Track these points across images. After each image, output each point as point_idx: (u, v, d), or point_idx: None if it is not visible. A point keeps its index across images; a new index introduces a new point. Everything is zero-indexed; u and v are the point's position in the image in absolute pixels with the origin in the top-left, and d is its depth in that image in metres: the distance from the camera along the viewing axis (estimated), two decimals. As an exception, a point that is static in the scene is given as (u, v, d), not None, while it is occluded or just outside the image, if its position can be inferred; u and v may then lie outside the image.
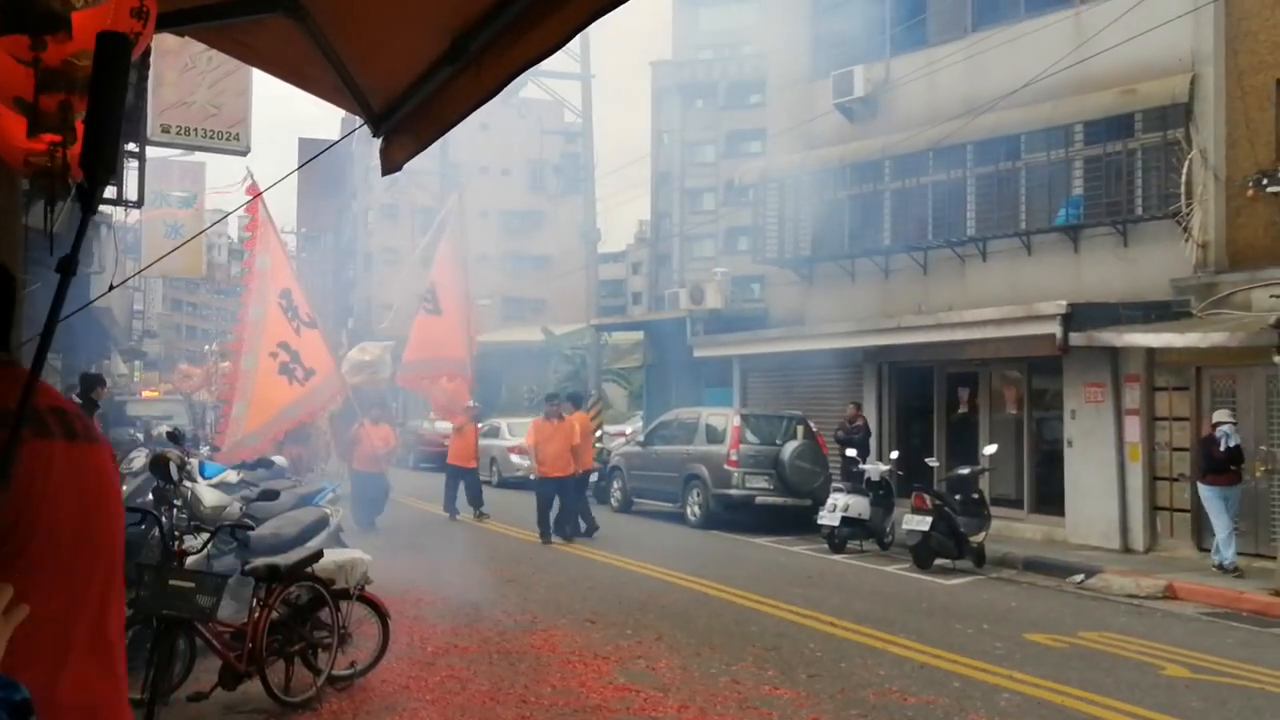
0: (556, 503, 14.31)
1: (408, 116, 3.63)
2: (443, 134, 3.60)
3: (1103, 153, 15.14)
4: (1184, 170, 13.91)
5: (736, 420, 16.70)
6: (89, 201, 1.73)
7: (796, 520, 15.77)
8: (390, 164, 3.80)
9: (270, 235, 12.95)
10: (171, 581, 5.38)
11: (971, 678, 7.30)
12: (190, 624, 5.53)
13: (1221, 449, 11.67)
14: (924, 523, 12.45)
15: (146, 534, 6.20)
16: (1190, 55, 14.09)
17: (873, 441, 18.04)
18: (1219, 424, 11.84)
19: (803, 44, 20.37)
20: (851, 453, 15.42)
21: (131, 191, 11.81)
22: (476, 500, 16.45)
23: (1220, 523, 11.85)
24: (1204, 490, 12.02)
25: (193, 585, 5.40)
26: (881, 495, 14.18)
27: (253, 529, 6.50)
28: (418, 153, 3.77)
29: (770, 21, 23.64)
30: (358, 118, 3.85)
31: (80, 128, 1.93)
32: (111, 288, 5.85)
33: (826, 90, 18.94)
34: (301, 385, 12.36)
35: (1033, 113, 15.62)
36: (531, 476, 15.24)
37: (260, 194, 11.19)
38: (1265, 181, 13.17)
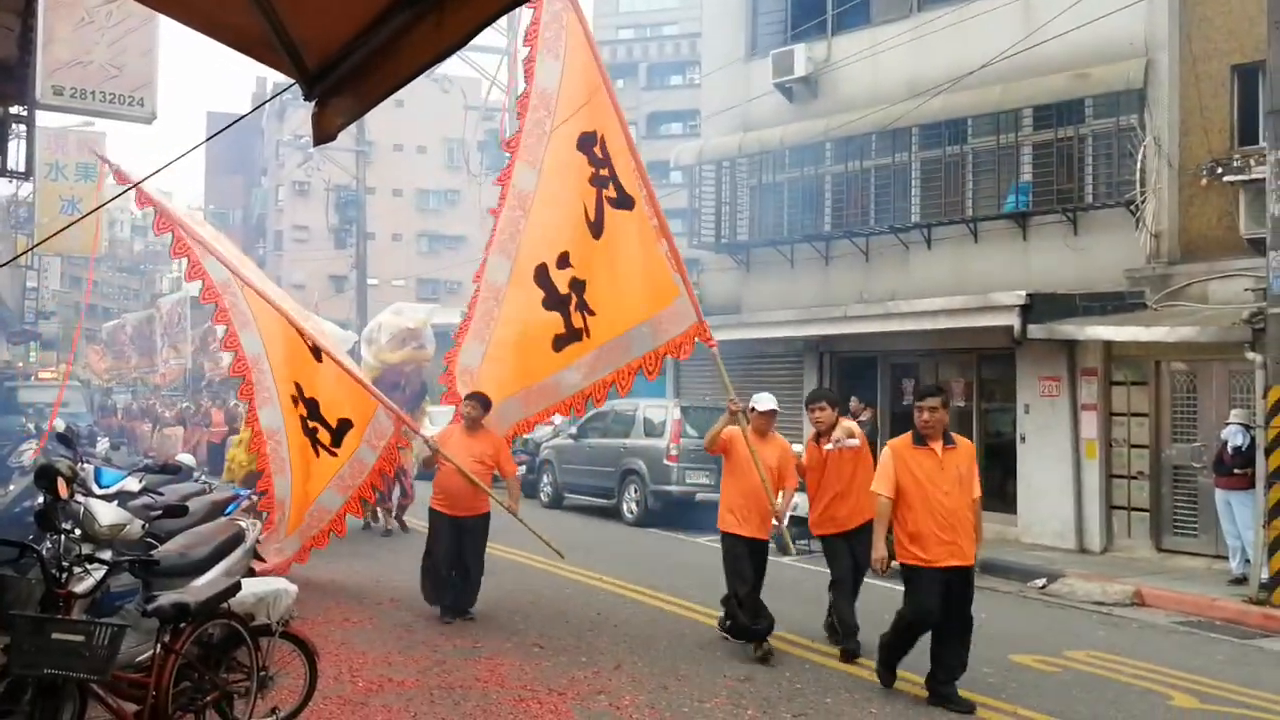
0: None
1: (349, 74, 2.83)
2: (391, 94, 2.81)
3: (1053, 138, 14.69)
4: (1139, 157, 13.53)
5: (677, 413, 15.94)
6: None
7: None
8: (324, 131, 2.98)
9: (193, 234, 9.36)
10: (55, 635, 4.42)
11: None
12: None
13: (1229, 450, 11.05)
14: (882, 525, 11.82)
15: (25, 571, 5.18)
16: (1144, 40, 13.69)
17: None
18: (1227, 423, 11.25)
19: (740, 20, 19.61)
20: None
21: (18, 161, 10.53)
22: (755, 596, 7.93)
23: (1228, 529, 11.21)
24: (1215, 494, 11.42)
25: (82, 639, 4.44)
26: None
27: (157, 563, 5.51)
28: (358, 117, 3.01)
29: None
30: (266, 92, 3.00)
31: None
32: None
33: (765, 69, 18.24)
34: (331, 454, 9.19)
35: (981, 96, 15.09)
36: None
37: (137, 183, 8.38)
38: (1220, 170, 12.83)
